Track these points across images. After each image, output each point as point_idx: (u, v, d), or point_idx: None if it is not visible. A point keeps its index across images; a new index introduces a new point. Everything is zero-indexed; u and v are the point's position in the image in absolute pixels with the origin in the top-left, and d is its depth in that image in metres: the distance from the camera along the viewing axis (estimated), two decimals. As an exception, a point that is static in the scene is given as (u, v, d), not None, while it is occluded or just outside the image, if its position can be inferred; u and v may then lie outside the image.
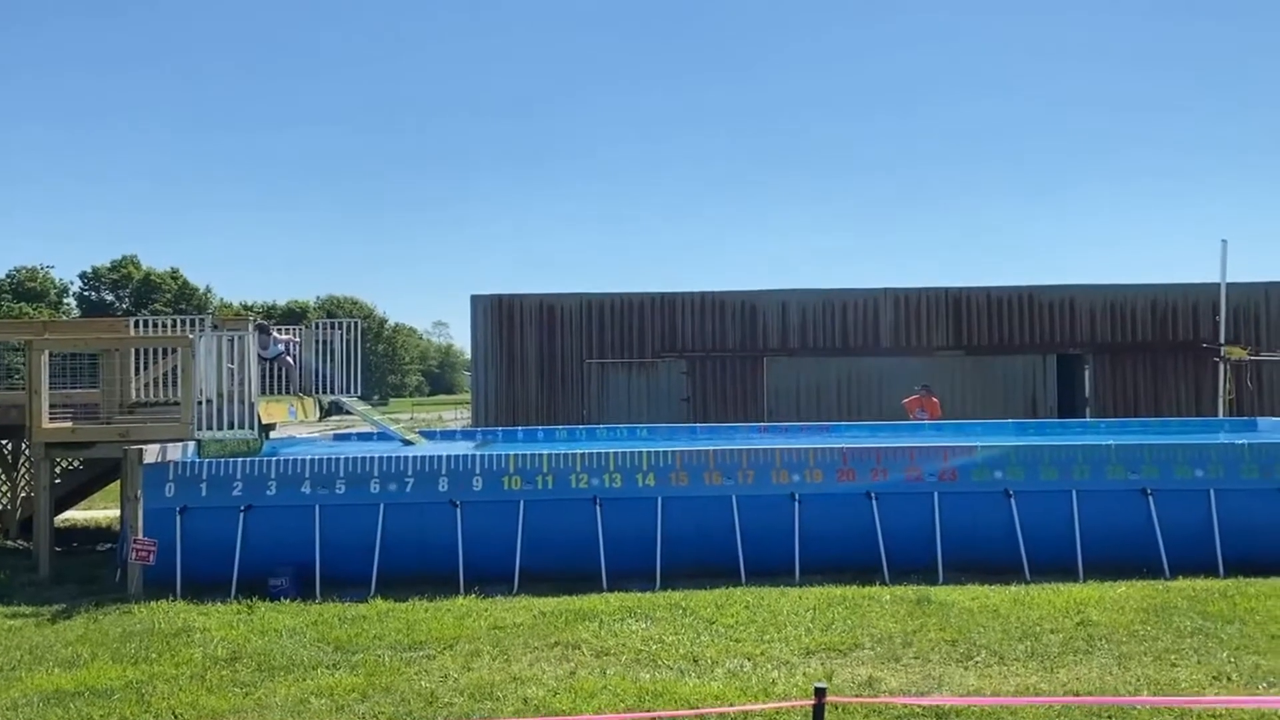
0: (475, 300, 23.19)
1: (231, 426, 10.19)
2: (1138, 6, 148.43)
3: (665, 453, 9.56)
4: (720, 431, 14.95)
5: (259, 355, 11.83)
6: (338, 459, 9.44)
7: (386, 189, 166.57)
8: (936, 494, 9.45)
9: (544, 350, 22.95)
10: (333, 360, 13.60)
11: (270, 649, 6.77)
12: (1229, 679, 5.75)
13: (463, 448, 11.98)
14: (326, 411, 15.40)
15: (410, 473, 9.35)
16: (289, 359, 13.20)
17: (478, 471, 9.37)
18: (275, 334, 13.12)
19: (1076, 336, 22.78)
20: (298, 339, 13.60)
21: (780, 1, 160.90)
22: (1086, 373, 22.91)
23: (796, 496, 9.41)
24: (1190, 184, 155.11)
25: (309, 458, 9.51)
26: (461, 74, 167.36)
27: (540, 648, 6.67)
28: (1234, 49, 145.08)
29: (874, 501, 9.42)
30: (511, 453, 9.66)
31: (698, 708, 5.31)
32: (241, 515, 9.14)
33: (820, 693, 2.93)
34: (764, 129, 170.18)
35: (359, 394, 13.78)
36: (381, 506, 9.19)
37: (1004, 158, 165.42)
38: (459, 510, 9.16)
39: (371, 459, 9.44)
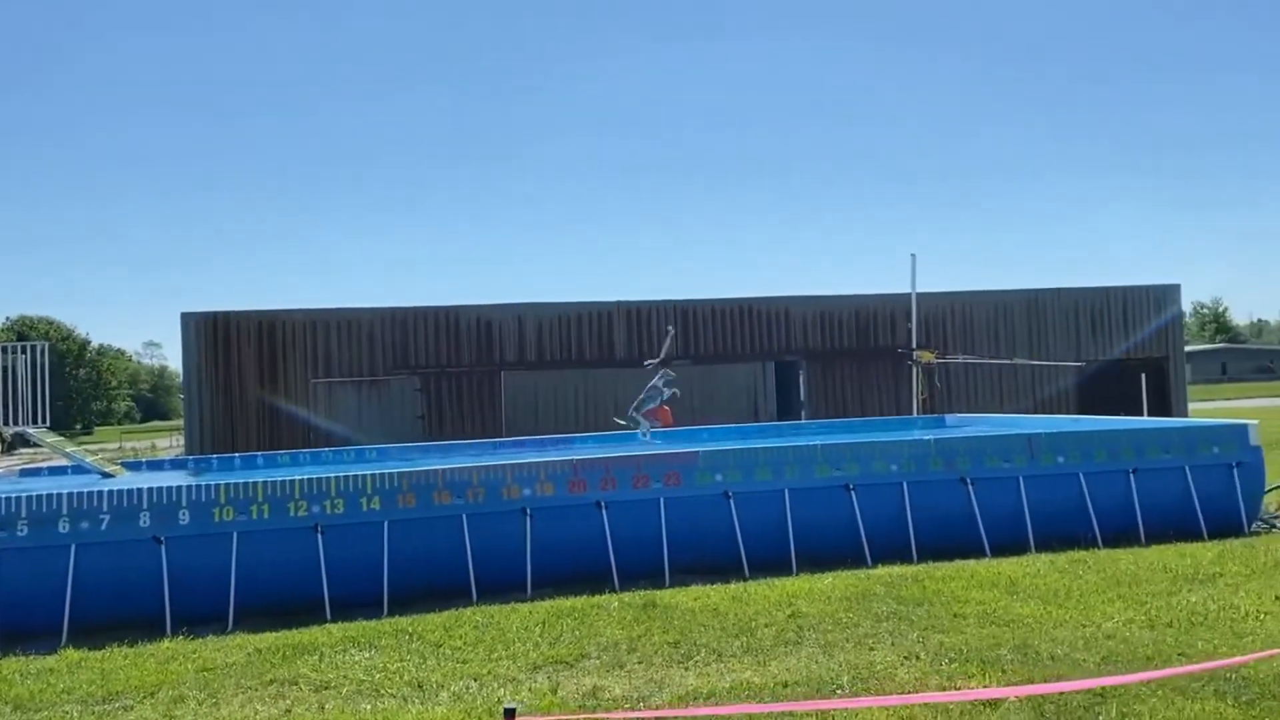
0: (186, 318, 21.67)
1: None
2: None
3: (390, 474, 9.30)
4: (454, 449, 14.76)
5: None
6: (19, 497, 8.50)
7: (84, 198, 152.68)
8: (662, 499, 9.74)
9: (265, 371, 21.79)
10: (16, 388, 12.26)
11: (-68, 718, 5.98)
12: (918, 658, 6.26)
13: (171, 478, 11.14)
14: (10, 445, 13.88)
15: (106, 509, 8.56)
16: None
17: (184, 504, 8.71)
18: None
19: (791, 344, 24.31)
20: None
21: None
22: (801, 378, 24.48)
23: (528, 511, 9.42)
24: (885, 202, 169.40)
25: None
26: (145, 72, 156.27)
27: (254, 687, 6.28)
28: (950, 72, 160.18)
29: (604, 511, 9.58)
30: (223, 482, 9.07)
31: (420, 735, 5.17)
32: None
33: (509, 713, 2.91)
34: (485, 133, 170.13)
35: (48, 424, 12.51)
36: (73, 548, 8.37)
37: (725, 174, 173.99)
38: (164, 547, 8.49)
39: (59, 496, 8.56)
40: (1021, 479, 10.45)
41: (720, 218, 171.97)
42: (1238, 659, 5.75)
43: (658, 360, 15.43)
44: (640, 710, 5.38)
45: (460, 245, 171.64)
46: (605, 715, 5.17)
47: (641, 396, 14.75)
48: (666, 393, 15.03)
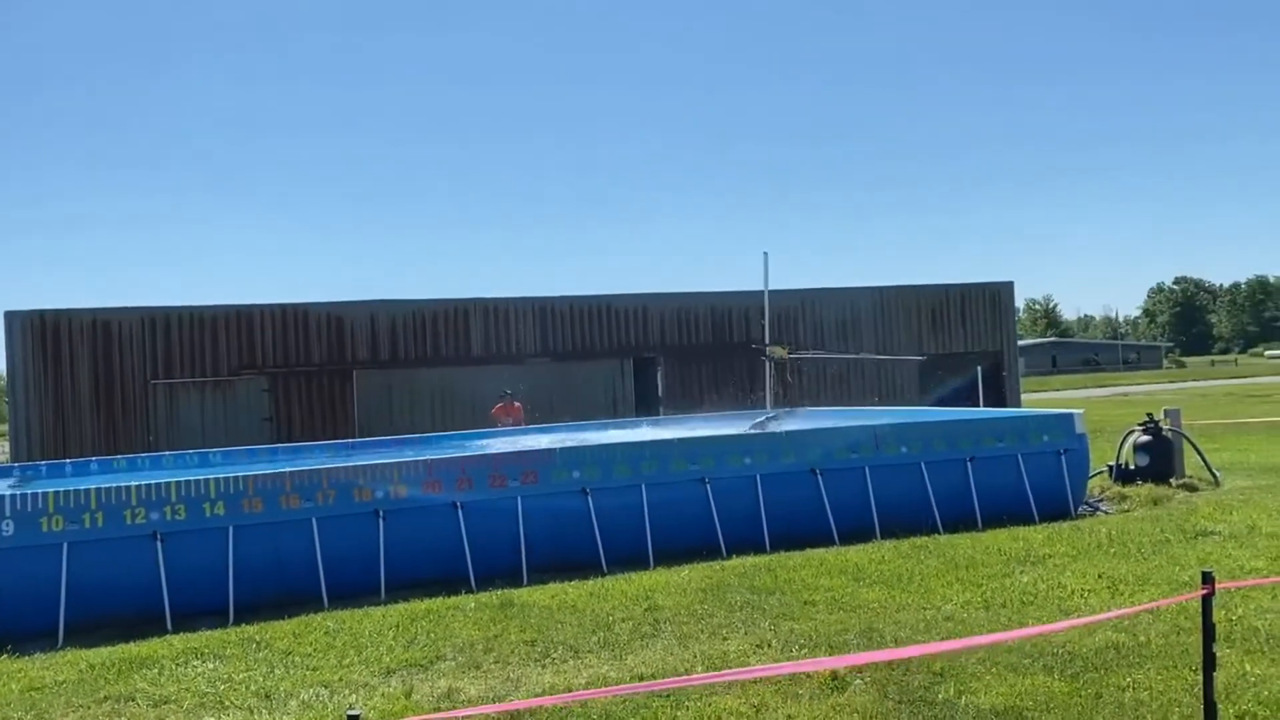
0: (10, 317, 20.31)
1: None
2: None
3: (234, 479, 8.95)
4: (304, 451, 14.31)
5: None
6: None
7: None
8: (520, 498, 9.69)
9: (99, 372, 20.63)
10: None
11: None
12: (769, 645, 6.43)
13: (-6, 488, 10.43)
14: None
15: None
16: None
17: (7, 514, 8.18)
18: None
19: (649, 340, 24.56)
20: None
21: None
22: (659, 373, 24.75)
23: (381, 513, 9.22)
24: (740, 201, 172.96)
25: None
26: None
27: (86, 705, 5.95)
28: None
29: (460, 511, 9.47)
30: (53, 490, 8.56)
31: (267, 747, 5.01)
32: None
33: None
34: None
35: None
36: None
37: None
38: (-23, 559, 7.95)
39: None
40: (867, 469, 10.84)
41: (577, 217, 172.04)
42: (1058, 625, 6.12)
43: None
44: (497, 706, 5.34)
45: (310, 240, 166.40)
46: (453, 714, 5.12)
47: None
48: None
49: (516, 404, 17.29)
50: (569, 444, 11.19)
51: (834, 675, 5.61)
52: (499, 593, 8.47)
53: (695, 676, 5.62)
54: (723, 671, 5.71)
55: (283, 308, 22.22)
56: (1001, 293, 27.70)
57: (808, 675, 5.64)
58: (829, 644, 6.36)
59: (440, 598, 8.38)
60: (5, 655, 7.32)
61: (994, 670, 5.66)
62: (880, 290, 26.63)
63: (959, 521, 10.87)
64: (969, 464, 11.28)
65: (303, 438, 20.32)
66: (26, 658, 7.24)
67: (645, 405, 24.80)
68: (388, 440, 15.45)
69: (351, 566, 8.98)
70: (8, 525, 8.17)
